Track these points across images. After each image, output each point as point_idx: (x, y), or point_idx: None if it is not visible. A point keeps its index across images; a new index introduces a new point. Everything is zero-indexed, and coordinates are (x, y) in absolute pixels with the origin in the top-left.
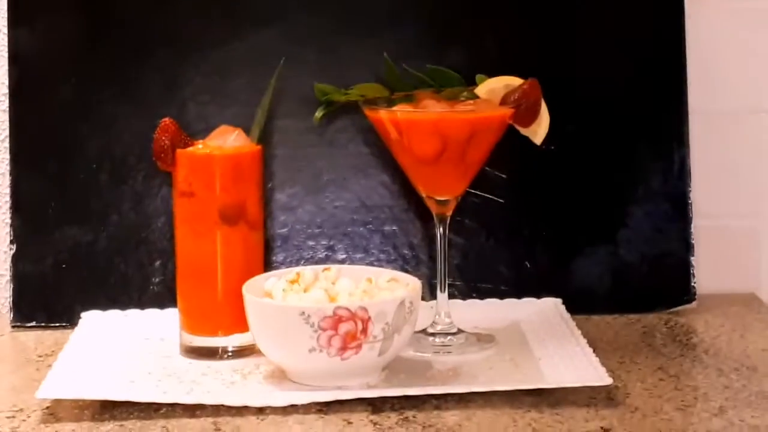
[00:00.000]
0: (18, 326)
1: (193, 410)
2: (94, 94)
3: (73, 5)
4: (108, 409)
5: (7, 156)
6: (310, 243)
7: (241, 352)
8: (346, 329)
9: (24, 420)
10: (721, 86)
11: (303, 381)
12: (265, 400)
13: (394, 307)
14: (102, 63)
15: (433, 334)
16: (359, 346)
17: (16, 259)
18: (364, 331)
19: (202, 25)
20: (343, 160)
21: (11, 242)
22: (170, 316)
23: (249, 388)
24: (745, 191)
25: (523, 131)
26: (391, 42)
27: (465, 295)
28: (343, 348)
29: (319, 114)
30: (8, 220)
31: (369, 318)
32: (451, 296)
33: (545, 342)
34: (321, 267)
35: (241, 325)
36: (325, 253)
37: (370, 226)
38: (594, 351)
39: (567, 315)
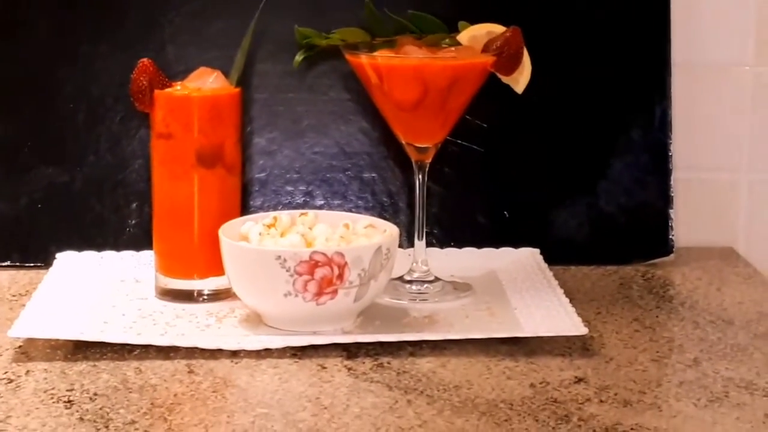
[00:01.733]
0: None
1: (167, 352)
2: (72, 34)
3: None
4: (81, 349)
5: None
6: (289, 188)
7: (217, 295)
8: (322, 274)
9: None
10: (703, 39)
11: (278, 325)
12: (240, 343)
13: (370, 253)
14: (81, 2)
15: (409, 282)
16: (335, 292)
17: None
18: (340, 276)
19: None
20: (323, 105)
21: None
22: (146, 258)
23: (223, 331)
24: (725, 144)
25: (505, 80)
26: None
27: (443, 244)
28: (319, 293)
29: (299, 58)
30: None
31: (345, 263)
32: (428, 244)
33: (522, 292)
34: (298, 212)
35: (217, 269)
36: (304, 198)
37: (349, 172)
38: (570, 301)
39: (544, 265)
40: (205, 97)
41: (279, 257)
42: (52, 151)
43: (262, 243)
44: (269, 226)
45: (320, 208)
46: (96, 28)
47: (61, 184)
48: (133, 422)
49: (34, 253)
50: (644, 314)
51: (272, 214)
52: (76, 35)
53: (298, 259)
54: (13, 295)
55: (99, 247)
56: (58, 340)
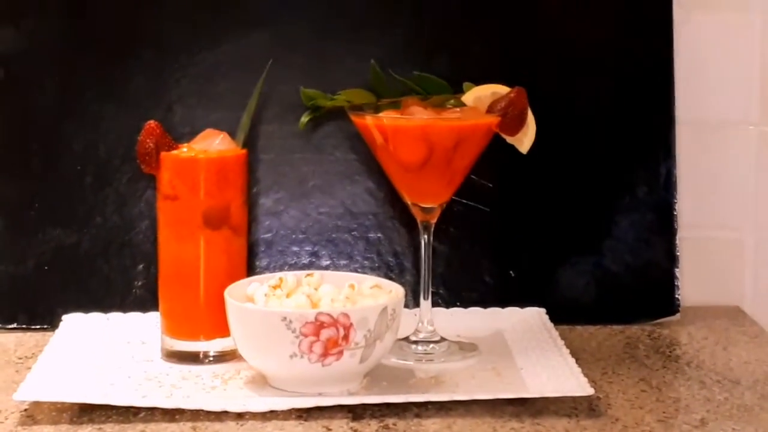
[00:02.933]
0: None
1: (172, 415)
2: (79, 95)
3: (59, 5)
4: (86, 412)
5: None
6: (294, 249)
7: (222, 357)
8: (328, 335)
9: (2, 422)
10: (708, 97)
11: (283, 387)
12: (245, 405)
13: (376, 314)
14: (87, 64)
15: (415, 342)
16: (341, 353)
17: None
18: (346, 337)
19: (189, 28)
20: (328, 166)
21: None
22: (152, 319)
23: (229, 393)
24: (730, 203)
25: (510, 140)
26: (378, 48)
27: (448, 303)
28: (325, 354)
29: (304, 119)
30: None
31: (351, 324)
32: (434, 304)
33: (528, 351)
34: (304, 272)
35: (223, 330)
36: (309, 259)
37: (355, 232)
38: (577, 361)
39: (550, 325)
40: (211, 159)
41: (284, 318)
42: (59, 213)
43: (268, 304)
44: (275, 287)
45: (326, 268)
46: (103, 88)
47: (68, 245)
48: None
49: (41, 315)
50: (651, 374)
51: (278, 275)
52: (83, 96)
53: (304, 320)
54: (20, 358)
55: (105, 308)
56: (64, 403)
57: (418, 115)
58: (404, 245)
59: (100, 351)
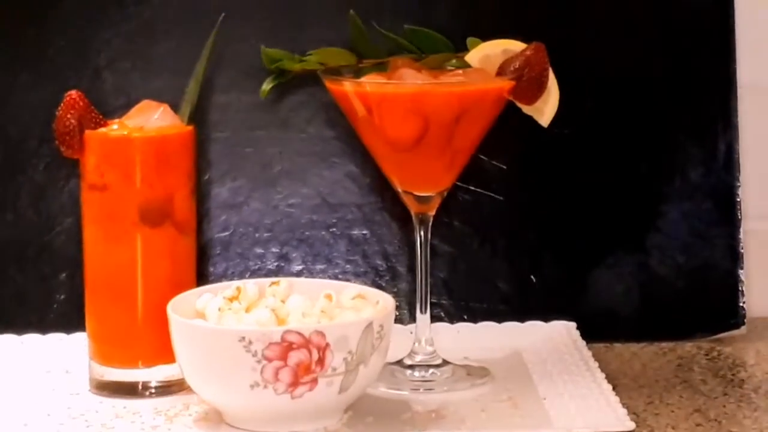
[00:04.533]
0: None
1: None
2: None
3: None
4: None
5: None
6: (258, 250)
7: (166, 388)
8: (298, 359)
9: None
10: None
11: (243, 425)
12: None
13: (359, 332)
14: None
15: (410, 367)
16: (314, 381)
17: None
18: (321, 361)
19: None
20: (299, 145)
21: None
22: (78, 342)
23: None
24: None
25: (527, 110)
26: None
27: (453, 317)
28: (294, 383)
29: (267, 86)
30: None
31: (327, 345)
32: (435, 318)
33: (553, 377)
34: (268, 280)
35: (166, 355)
36: (277, 263)
37: (334, 229)
38: (614, 388)
39: (582, 343)
40: (148, 138)
41: (243, 338)
42: None
43: (222, 321)
44: (231, 299)
45: (298, 274)
46: (13, 54)
47: None
48: None
49: None
50: (708, 404)
51: (235, 283)
52: None
53: (267, 341)
54: None
55: (19, 328)
56: None
57: (410, 80)
58: (396, 244)
59: (12, 381)
